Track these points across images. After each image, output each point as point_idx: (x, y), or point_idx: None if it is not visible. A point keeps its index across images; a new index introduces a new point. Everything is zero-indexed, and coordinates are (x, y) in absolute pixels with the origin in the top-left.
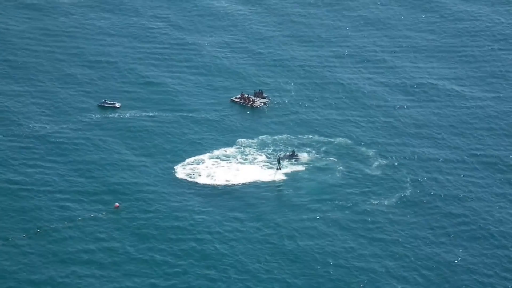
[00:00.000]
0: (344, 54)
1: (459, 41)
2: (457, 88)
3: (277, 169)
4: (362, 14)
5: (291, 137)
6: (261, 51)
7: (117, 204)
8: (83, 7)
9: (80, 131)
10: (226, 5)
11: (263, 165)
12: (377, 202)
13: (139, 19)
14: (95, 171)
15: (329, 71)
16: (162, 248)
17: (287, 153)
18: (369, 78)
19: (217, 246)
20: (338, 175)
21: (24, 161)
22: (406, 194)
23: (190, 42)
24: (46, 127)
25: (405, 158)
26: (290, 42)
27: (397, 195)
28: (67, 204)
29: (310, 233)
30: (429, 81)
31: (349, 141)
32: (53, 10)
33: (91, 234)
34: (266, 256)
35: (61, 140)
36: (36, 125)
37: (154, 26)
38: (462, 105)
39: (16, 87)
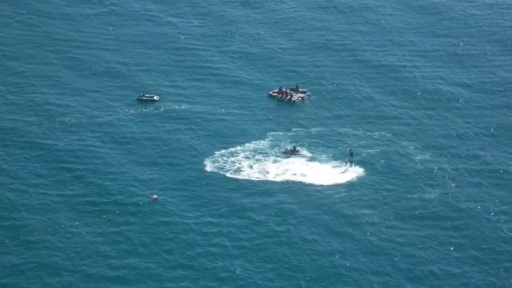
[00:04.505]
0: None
1: None
2: None
3: (350, 161)
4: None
5: (326, 131)
6: (307, 42)
7: (155, 196)
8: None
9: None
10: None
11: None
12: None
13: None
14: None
15: (377, 61)
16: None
17: (289, 148)
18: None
19: None
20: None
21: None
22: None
23: (233, 32)
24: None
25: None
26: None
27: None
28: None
29: None
30: None
31: (388, 135)
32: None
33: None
34: None
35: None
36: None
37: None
38: None
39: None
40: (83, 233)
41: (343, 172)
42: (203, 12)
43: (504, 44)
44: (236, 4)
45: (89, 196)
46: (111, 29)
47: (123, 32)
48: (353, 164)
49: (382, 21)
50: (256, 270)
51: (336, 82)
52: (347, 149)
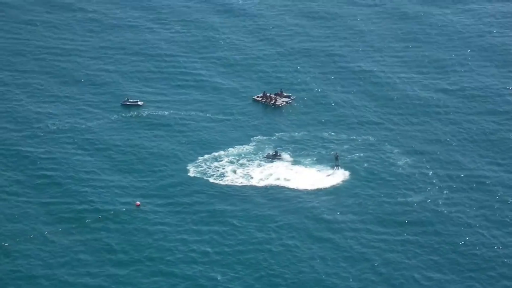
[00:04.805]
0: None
1: None
2: None
3: (336, 165)
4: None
5: (310, 135)
6: (284, 48)
7: (138, 202)
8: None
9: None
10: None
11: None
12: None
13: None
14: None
15: (358, 67)
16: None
17: (271, 153)
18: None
19: None
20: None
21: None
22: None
23: (215, 38)
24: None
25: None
26: (318, 38)
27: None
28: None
29: None
30: None
31: (371, 139)
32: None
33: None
34: None
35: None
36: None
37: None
38: None
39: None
40: (63, 240)
41: (329, 175)
42: (186, 19)
43: (484, 50)
44: (218, 10)
45: (69, 203)
46: (92, 36)
47: (104, 39)
48: (339, 167)
49: (363, 27)
50: (237, 276)
51: (318, 88)
52: (332, 152)
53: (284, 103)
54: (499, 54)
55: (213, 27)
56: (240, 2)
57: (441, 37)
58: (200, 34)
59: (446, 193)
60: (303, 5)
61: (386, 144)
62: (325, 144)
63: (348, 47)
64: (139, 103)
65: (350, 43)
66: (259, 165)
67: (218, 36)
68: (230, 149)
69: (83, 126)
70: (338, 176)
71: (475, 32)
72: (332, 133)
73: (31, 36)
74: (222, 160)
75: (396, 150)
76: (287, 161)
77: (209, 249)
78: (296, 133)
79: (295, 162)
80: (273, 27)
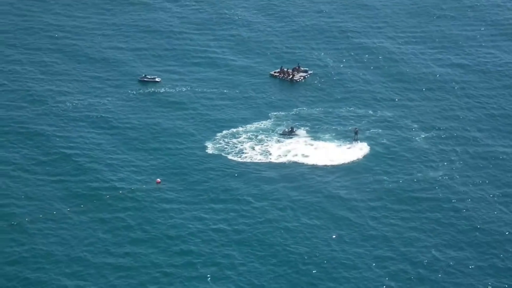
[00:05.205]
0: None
1: None
2: None
3: (355, 140)
4: None
5: (328, 110)
6: (303, 24)
7: (158, 180)
8: None
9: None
10: None
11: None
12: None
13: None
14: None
15: (373, 43)
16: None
17: (286, 130)
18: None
19: None
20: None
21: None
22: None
23: (231, 15)
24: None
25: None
26: (334, 14)
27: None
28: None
29: None
30: None
31: (389, 114)
32: None
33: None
34: None
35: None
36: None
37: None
38: None
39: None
40: (81, 218)
41: (349, 148)
42: None
43: (500, 24)
44: None
45: (87, 181)
46: (104, 13)
47: (118, 17)
48: (358, 141)
49: (376, 2)
50: (256, 254)
51: (333, 64)
52: (351, 127)
53: (302, 78)
54: None
55: (227, 4)
56: None
57: (456, 12)
58: (214, 11)
59: (465, 169)
60: None
61: (404, 119)
62: (342, 119)
63: (362, 23)
64: (156, 79)
65: (363, 20)
66: (278, 141)
67: (232, 13)
68: (248, 125)
69: (99, 104)
70: (356, 152)
71: (489, 7)
72: (350, 108)
73: (43, 14)
74: (240, 137)
75: (414, 126)
76: (303, 137)
77: (225, 227)
78: (314, 109)
79: (314, 138)
80: (285, 4)
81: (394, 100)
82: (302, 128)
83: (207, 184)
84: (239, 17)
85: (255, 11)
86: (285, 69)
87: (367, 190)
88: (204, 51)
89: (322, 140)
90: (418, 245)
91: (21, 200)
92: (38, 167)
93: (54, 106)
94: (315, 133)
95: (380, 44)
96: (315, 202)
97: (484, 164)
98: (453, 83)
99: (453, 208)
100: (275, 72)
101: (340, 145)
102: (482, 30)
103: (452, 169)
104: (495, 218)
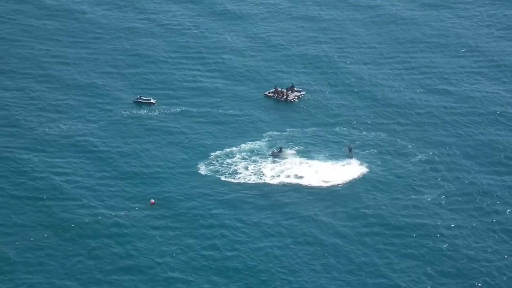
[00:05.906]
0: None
1: None
2: None
3: (349, 157)
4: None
5: (322, 130)
6: (293, 49)
7: (152, 200)
8: None
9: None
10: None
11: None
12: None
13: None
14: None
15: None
16: None
17: (275, 150)
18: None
19: None
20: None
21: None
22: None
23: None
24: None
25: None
26: (322, 41)
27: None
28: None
29: None
30: None
31: (383, 135)
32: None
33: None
34: None
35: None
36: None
37: (180, 23)
38: None
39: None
40: (66, 246)
41: (343, 165)
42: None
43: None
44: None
45: (75, 208)
46: (94, 42)
47: (110, 43)
48: (353, 158)
49: (361, 31)
50: (244, 281)
51: (323, 90)
52: (347, 145)
53: (296, 98)
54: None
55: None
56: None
57: (444, 39)
58: (204, 36)
59: (453, 194)
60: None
61: (394, 143)
62: (337, 138)
63: (346, 50)
64: (152, 101)
65: (344, 46)
66: (272, 162)
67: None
68: (242, 145)
69: (87, 129)
70: (348, 173)
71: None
72: (344, 128)
73: (31, 43)
74: (234, 157)
75: (408, 146)
76: (292, 157)
77: (220, 247)
78: (308, 128)
79: (305, 157)
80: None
81: (383, 124)
82: (290, 148)
83: (195, 210)
84: (229, 43)
85: (244, 39)
86: (279, 89)
87: (356, 214)
88: (193, 76)
89: (316, 160)
90: (409, 271)
91: (7, 228)
92: (24, 192)
93: (40, 132)
94: (307, 153)
95: (365, 72)
96: (310, 220)
97: (472, 190)
98: (442, 108)
99: (441, 233)
100: (269, 92)
101: (334, 165)
102: (469, 56)
103: (440, 195)
104: (484, 245)
